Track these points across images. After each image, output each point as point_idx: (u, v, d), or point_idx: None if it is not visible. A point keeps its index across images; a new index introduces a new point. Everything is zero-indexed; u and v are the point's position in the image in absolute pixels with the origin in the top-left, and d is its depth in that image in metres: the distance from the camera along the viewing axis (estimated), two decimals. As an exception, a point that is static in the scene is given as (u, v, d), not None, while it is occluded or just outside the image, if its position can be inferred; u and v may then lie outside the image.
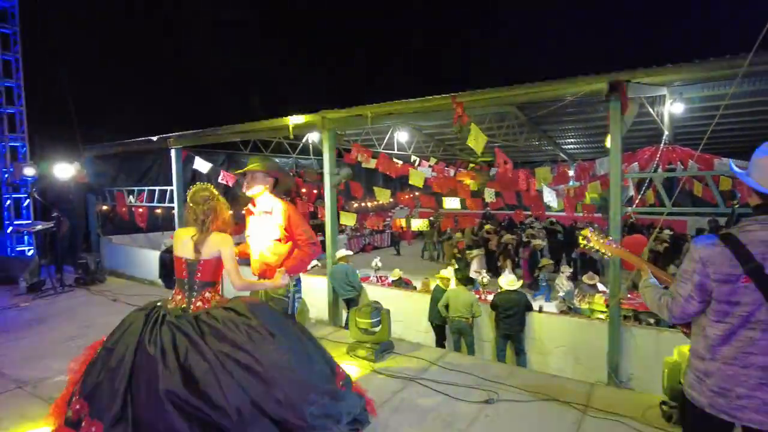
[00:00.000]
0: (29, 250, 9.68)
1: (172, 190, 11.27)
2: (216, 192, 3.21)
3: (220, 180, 11.26)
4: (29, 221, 9.34)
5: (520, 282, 7.20)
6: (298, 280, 3.60)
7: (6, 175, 9.03)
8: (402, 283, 9.54)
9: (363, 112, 7.72)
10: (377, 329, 5.16)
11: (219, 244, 3.03)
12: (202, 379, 2.59)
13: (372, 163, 9.77)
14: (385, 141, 14.38)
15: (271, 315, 3.11)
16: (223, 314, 2.92)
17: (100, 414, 2.56)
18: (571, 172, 12.97)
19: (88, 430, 2.55)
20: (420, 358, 5.05)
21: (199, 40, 22.06)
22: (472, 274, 10.45)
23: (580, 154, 16.22)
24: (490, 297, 7.29)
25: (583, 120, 12.01)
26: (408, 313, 7.80)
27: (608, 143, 5.63)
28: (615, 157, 5.57)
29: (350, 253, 8.08)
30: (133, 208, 12.59)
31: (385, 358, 5.10)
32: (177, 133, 10.72)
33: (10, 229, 9.47)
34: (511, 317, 6.50)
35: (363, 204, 19.10)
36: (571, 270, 10.38)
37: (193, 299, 3.01)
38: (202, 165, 11.15)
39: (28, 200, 9.47)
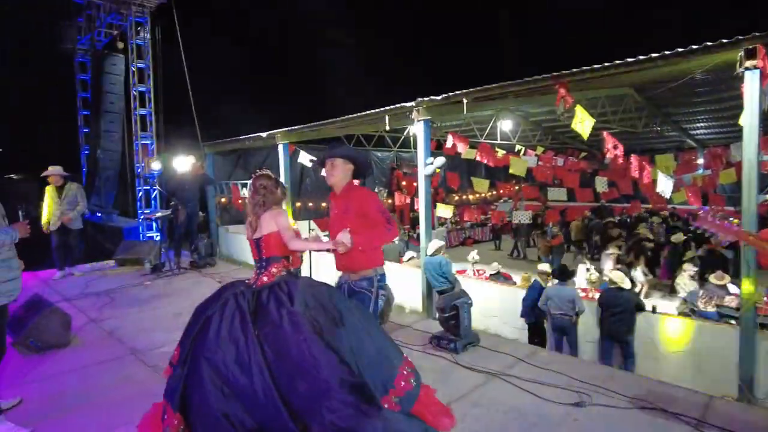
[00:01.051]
0: (157, 235, 10.97)
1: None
2: (271, 175, 3.36)
3: (323, 173, 11.71)
4: (154, 210, 10.58)
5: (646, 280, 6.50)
6: (383, 276, 3.39)
7: (138, 170, 10.33)
8: (500, 278, 9.16)
9: (460, 98, 7.50)
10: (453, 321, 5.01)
11: (274, 217, 3.22)
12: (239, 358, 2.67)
13: (471, 153, 9.50)
14: (486, 131, 13.93)
15: (331, 302, 2.93)
16: (279, 290, 2.96)
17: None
18: (700, 160, 11.47)
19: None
20: (508, 354, 4.79)
21: (305, 38, 23.18)
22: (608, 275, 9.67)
23: (711, 140, 14.30)
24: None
25: (715, 101, 10.55)
26: (505, 308, 7.45)
27: (742, 120, 4.83)
28: (750, 136, 4.75)
29: (443, 243, 7.92)
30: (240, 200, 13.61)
31: (468, 351, 4.92)
32: (283, 129, 11.33)
33: (141, 217, 10.82)
34: (617, 317, 5.90)
35: (464, 196, 18.73)
36: (696, 269, 9.18)
37: (261, 275, 3.17)
38: (306, 158, 11.68)
39: (155, 191, 10.70)
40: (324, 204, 17.04)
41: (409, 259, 10.23)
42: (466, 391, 3.94)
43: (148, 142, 10.40)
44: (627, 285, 6.20)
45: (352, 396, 2.54)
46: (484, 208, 17.18)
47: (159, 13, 10.36)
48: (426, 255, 7.93)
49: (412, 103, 7.94)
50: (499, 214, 14.57)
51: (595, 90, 6.66)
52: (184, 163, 9.19)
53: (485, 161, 9.69)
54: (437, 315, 4.97)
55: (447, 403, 3.31)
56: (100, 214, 10.58)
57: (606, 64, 5.74)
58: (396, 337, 4.65)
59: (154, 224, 11.19)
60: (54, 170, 7.83)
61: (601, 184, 10.86)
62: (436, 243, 7.93)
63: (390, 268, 9.15)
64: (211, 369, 2.62)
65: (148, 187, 10.72)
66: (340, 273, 3.51)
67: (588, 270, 9.47)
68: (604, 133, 8.17)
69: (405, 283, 8.60)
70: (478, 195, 18.86)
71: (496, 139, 14.43)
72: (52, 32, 10.90)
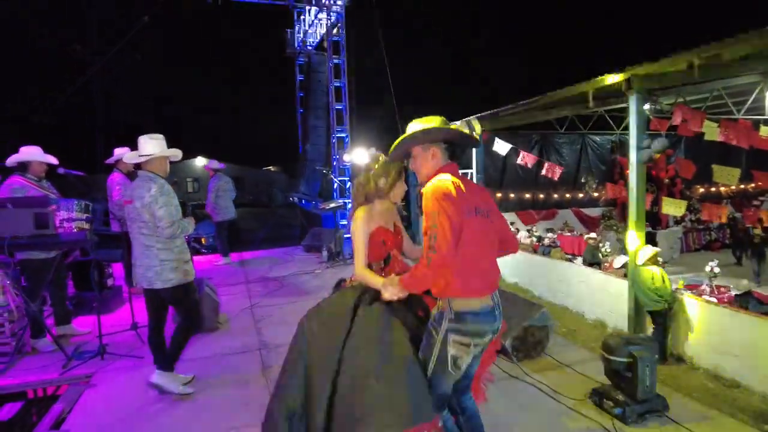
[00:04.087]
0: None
1: (471, 173, 11.24)
2: (382, 162, 2.65)
3: (519, 161, 10.56)
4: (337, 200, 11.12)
5: None
6: (462, 316, 2.20)
7: (334, 162, 10.95)
8: (752, 300, 6.71)
9: (688, 60, 5.61)
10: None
11: (354, 219, 2.67)
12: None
13: (713, 133, 7.17)
14: (746, 105, 10.61)
15: (385, 332, 2.40)
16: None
17: None
18: None
19: None
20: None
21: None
22: None
23: None
24: None
25: None
26: (753, 347, 5.32)
27: None
28: None
29: (657, 250, 6.12)
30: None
31: (645, 424, 3.37)
32: (474, 116, 10.54)
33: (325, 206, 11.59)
34: None
35: (713, 189, 14.89)
36: None
37: None
38: (501, 147, 10.67)
39: (349, 182, 11.20)
40: (528, 195, 15.64)
41: (622, 266, 8.39)
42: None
43: (343, 135, 10.95)
44: None
45: None
46: (746, 205, 13.33)
47: (355, 8, 10.71)
48: (635, 263, 6.24)
49: (618, 76, 6.28)
50: (755, 215, 10.94)
51: None
52: (361, 156, 9.28)
53: (737, 143, 7.18)
54: (605, 357, 3.41)
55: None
56: (304, 202, 11.70)
57: None
58: (547, 377, 3.52)
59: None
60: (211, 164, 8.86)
61: None
62: (649, 249, 6.16)
63: (588, 277, 7.72)
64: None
65: (343, 178, 11.31)
66: None
67: None
68: None
69: (609, 295, 7.04)
70: (733, 188, 14.74)
71: (765, 114, 10.91)
72: (278, 39, 12.36)
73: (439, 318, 2.26)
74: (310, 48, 11.72)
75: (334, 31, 10.50)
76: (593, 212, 14.74)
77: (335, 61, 10.53)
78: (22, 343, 4.01)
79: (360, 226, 2.53)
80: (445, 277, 2.17)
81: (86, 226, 4.03)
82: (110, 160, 5.98)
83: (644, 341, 3.18)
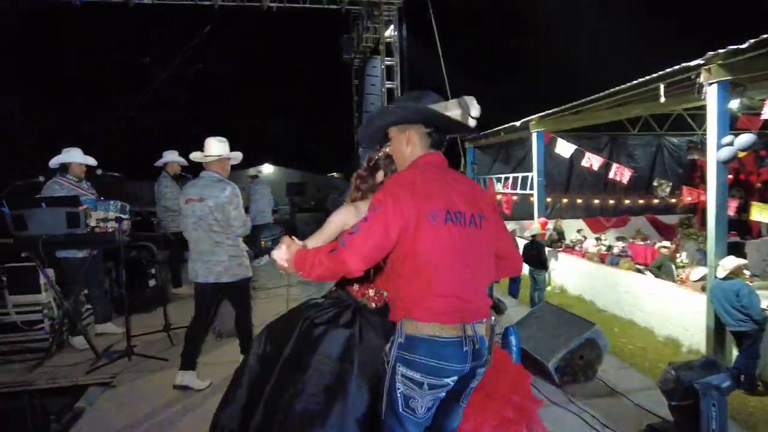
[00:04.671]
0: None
1: (532, 177, 10.63)
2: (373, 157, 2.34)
3: (583, 163, 9.83)
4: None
5: None
6: (413, 342, 1.70)
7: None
8: None
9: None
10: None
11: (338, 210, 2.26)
12: None
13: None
14: None
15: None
16: None
17: None
18: None
19: None
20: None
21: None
22: None
23: None
24: None
25: None
26: None
27: None
28: None
29: (744, 262, 5.34)
30: (499, 195, 12.69)
31: None
32: (537, 115, 9.94)
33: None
34: None
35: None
36: None
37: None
38: (564, 148, 10.01)
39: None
40: (596, 200, 14.59)
41: (700, 279, 7.52)
42: None
43: None
44: None
45: None
46: None
47: (407, 9, 10.49)
48: (715, 277, 5.49)
49: (700, 61, 5.57)
50: None
51: None
52: None
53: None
54: (664, 388, 2.70)
55: None
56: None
57: None
58: (595, 407, 3.00)
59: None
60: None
61: None
62: (732, 260, 5.39)
63: (659, 289, 6.91)
64: None
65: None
66: None
67: None
68: None
69: (684, 311, 6.32)
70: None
71: None
72: (335, 45, 12.39)
73: (391, 341, 1.78)
74: (365, 52, 11.66)
75: (387, 32, 10.35)
76: (670, 219, 13.49)
77: (388, 62, 10.37)
78: (59, 340, 4.11)
79: (337, 216, 2.17)
80: (336, 273, 1.72)
81: (123, 227, 4.09)
82: (159, 163, 6.14)
83: (714, 369, 2.54)
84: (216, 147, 3.61)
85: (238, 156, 3.81)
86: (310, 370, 2.03)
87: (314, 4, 10.18)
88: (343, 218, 2.14)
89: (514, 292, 7.96)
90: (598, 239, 11.98)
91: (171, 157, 6.10)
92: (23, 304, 4.00)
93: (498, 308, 5.07)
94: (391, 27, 10.37)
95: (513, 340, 3.32)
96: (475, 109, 1.78)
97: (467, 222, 1.73)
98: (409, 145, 1.83)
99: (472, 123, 1.80)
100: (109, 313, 4.54)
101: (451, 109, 1.76)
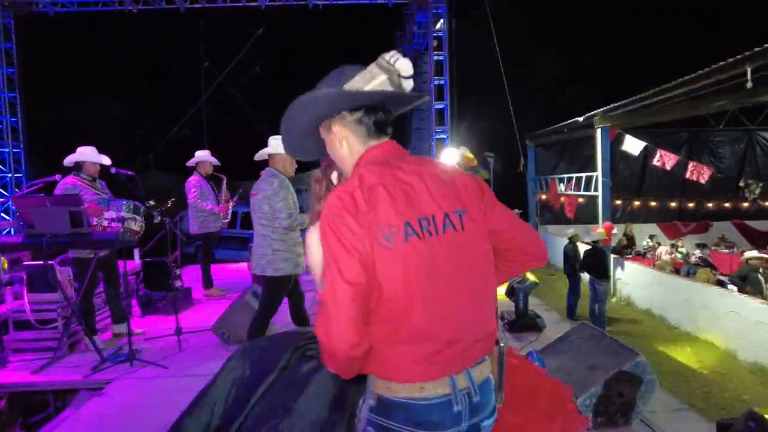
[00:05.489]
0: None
1: (597, 176, 9.70)
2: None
3: (654, 162, 8.84)
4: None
5: None
6: (384, 409, 1.26)
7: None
8: None
9: None
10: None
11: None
12: None
13: None
14: None
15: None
16: None
17: None
18: None
19: None
20: None
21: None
22: None
23: None
24: None
25: None
26: None
27: None
28: None
29: None
30: (562, 197, 11.79)
31: None
32: (601, 109, 9.06)
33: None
34: None
35: None
36: None
37: None
38: (632, 145, 9.07)
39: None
40: (673, 203, 13.17)
41: None
42: None
43: (443, 136, 10.17)
44: None
45: None
46: None
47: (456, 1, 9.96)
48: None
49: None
50: None
51: None
52: (452, 155, 8.43)
53: None
54: None
55: None
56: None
57: None
58: None
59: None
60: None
61: None
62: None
63: (743, 306, 5.91)
64: None
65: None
66: None
67: None
68: None
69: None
70: None
71: None
72: (386, 42, 12.11)
73: (362, 399, 1.38)
74: (417, 47, 11.27)
75: (437, 26, 9.88)
76: (763, 225, 11.89)
77: (437, 57, 9.89)
78: (73, 340, 4.08)
79: (310, 237, 1.74)
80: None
81: (134, 227, 4.01)
82: (190, 162, 6.10)
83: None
84: (272, 144, 3.77)
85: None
86: (294, 416, 1.72)
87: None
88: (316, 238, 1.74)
89: (570, 312, 7.27)
90: (673, 246, 10.79)
91: (203, 156, 6.03)
92: (39, 302, 4.01)
93: (535, 325, 4.48)
94: (441, 21, 9.89)
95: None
96: (404, 67, 1.31)
97: (441, 227, 1.26)
98: (342, 143, 1.36)
99: (407, 86, 1.35)
100: (124, 313, 4.47)
101: (377, 77, 1.31)
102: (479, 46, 10.63)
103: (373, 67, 1.30)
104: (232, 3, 9.63)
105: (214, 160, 6.10)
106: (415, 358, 1.21)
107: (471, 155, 8.28)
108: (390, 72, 1.29)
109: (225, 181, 6.27)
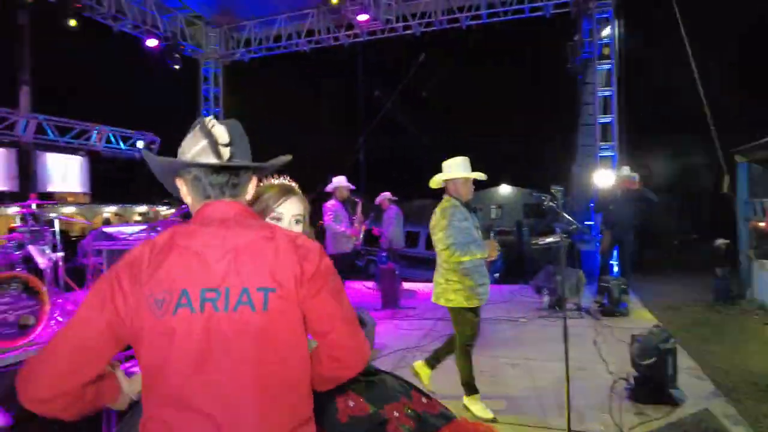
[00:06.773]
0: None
1: None
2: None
3: None
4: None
5: None
6: None
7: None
8: None
9: None
10: None
11: None
12: None
13: None
14: None
15: None
16: None
17: None
18: None
19: None
20: None
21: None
22: None
23: None
24: None
25: None
26: None
27: None
28: None
29: None
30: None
31: None
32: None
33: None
34: None
35: None
36: None
37: None
38: None
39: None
40: None
41: None
42: None
43: (609, 153, 8.79)
44: None
45: None
46: None
47: (624, 4, 8.63)
48: None
49: None
50: None
51: None
52: (607, 177, 7.21)
53: None
54: None
55: None
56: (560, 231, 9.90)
57: None
58: None
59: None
60: None
61: None
62: None
63: None
64: None
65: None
66: None
67: None
68: None
69: None
70: None
71: None
72: (561, 53, 11.24)
73: None
74: (586, 56, 10.20)
75: (604, 32, 8.74)
76: None
77: (604, 66, 8.72)
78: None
79: None
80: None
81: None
82: (329, 188, 6.51)
83: None
84: (447, 169, 3.66)
85: (465, 175, 3.65)
86: None
87: (515, 15, 9.43)
88: None
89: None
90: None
91: (340, 182, 6.44)
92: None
93: (669, 397, 3.47)
94: (608, 27, 8.79)
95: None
96: (219, 134, 1.23)
97: (231, 303, 1.10)
98: (186, 197, 1.30)
99: (225, 153, 1.23)
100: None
101: (199, 142, 1.24)
102: (657, 51, 9.17)
103: (197, 131, 1.25)
104: (390, 33, 10.19)
105: (351, 185, 6.45)
106: None
107: (633, 175, 7.12)
108: (209, 137, 1.23)
109: (360, 204, 6.57)
